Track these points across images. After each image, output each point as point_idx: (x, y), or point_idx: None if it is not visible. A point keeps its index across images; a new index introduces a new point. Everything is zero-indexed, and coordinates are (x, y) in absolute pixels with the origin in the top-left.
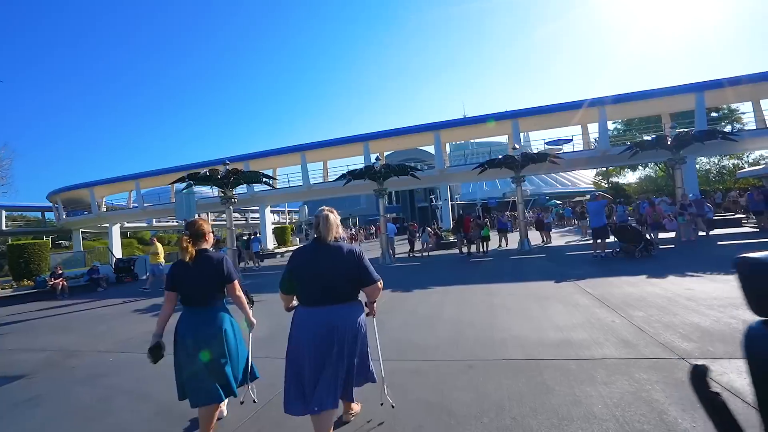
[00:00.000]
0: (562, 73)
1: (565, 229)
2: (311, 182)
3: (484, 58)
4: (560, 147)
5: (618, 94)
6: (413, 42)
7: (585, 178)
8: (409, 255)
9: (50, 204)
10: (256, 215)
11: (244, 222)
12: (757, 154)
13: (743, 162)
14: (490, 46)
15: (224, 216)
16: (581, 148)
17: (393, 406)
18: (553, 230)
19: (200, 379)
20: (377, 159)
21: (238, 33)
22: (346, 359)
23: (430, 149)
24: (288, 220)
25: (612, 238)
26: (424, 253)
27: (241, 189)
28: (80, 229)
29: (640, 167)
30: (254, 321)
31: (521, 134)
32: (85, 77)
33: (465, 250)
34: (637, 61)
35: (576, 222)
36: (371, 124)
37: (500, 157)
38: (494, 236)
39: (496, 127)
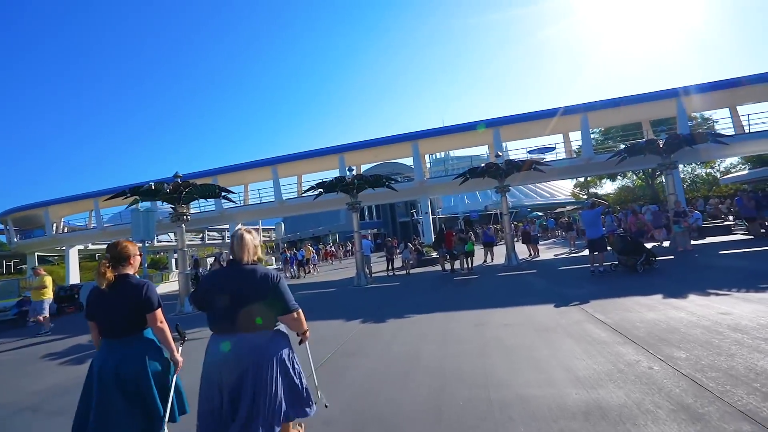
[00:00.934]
0: (541, 85)
1: (550, 240)
2: (283, 197)
3: (464, 73)
4: (543, 156)
5: (600, 100)
6: (393, 57)
7: (564, 190)
8: (387, 273)
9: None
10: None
11: (221, 241)
12: (728, 162)
13: (715, 171)
14: (470, 61)
15: (209, 235)
16: (563, 157)
17: (326, 406)
18: (540, 243)
19: (108, 426)
20: (350, 170)
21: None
22: (263, 394)
23: (410, 162)
24: (268, 238)
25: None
26: (407, 271)
27: (210, 207)
28: (35, 253)
29: (619, 177)
30: (180, 360)
31: (503, 145)
32: (50, 90)
33: (448, 266)
34: (614, 71)
35: (561, 233)
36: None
37: (483, 165)
38: (478, 251)
39: (477, 137)
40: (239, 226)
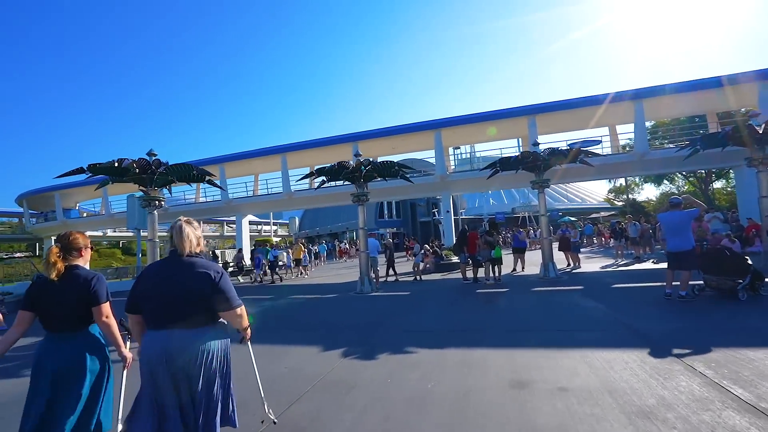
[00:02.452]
0: (584, 72)
1: (587, 249)
2: (292, 189)
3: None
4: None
5: (658, 86)
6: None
7: (596, 195)
8: (386, 279)
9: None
10: (259, 226)
11: (218, 235)
12: None
13: None
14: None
15: (214, 225)
16: (609, 152)
17: (275, 422)
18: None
19: (51, 423)
20: (357, 154)
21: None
22: (196, 395)
23: (432, 158)
24: (286, 233)
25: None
26: (417, 277)
27: (216, 195)
28: (51, 237)
29: (666, 181)
30: (128, 355)
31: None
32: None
33: (470, 274)
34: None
35: (603, 241)
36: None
37: (517, 154)
38: (506, 257)
39: (508, 127)
40: (180, 217)
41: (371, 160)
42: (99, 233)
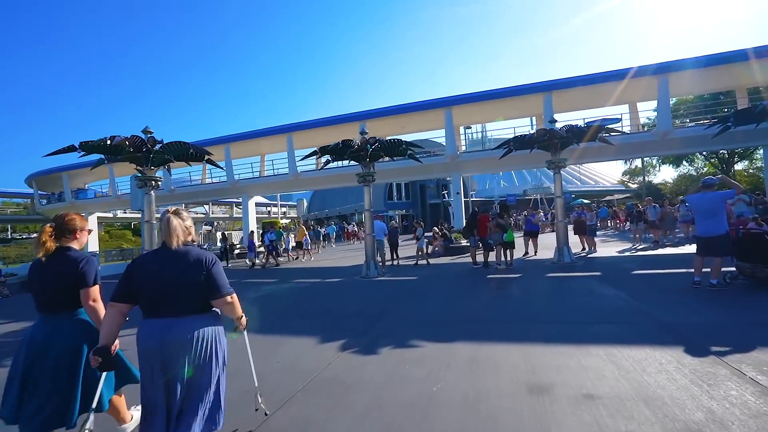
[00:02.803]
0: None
1: (602, 232)
2: (298, 170)
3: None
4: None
5: (685, 59)
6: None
7: (609, 177)
8: (393, 263)
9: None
10: (268, 208)
11: (227, 217)
12: None
13: None
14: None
15: (224, 207)
16: (630, 131)
17: (266, 414)
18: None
19: (35, 402)
20: (363, 132)
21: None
22: (198, 385)
23: (442, 139)
24: (294, 214)
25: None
26: (421, 261)
27: (222, 176)
28: None
29: (685, 162)
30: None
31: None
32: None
33: (480, 259)
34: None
35: (622, 224)
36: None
37: (532, 132)
38: (518, 240)
39: (522, 106)
40: (169, 208)
41: (378, 138)
42: (110, 214)
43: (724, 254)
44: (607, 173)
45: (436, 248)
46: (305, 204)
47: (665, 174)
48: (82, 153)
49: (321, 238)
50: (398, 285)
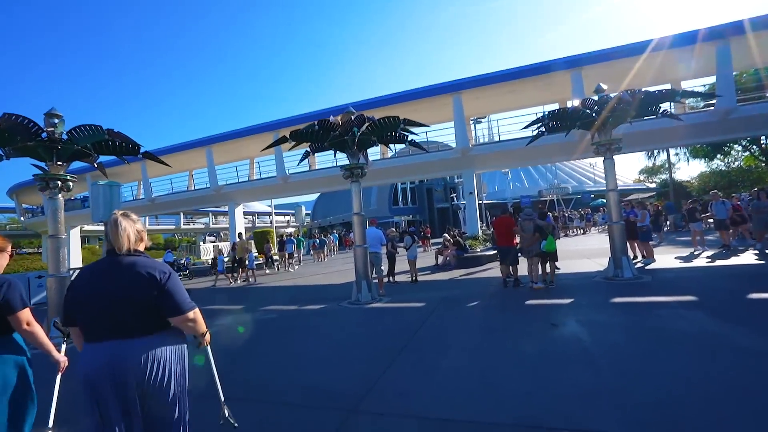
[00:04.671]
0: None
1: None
2: (287, 172)
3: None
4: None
5: (749, 18)
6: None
7: (624, 177)
8: (389, 280)
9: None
10: (265, 218)
11: (202, 227)
12: None
13: None
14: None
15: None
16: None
17: (236, 426)
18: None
19: None
20: (349, 112)
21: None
22: (151, 416)
23: (447, 138)
24: (296, 223)
25: None
26: (413, 277)
27: (204, 182)
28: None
29: (718, 157)
30: (63, 359)
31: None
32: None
33: (511, 273)
34: None
35: (684, 224)
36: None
37: (576, 103)
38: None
39: (546, 87)
40: (116, 211)
41: (367, 117)
42: (100, 227)
43: None
44: (620, 173)
45: (448, 258)
46: (303, 211)
47: (691, 170)
48: None
49: (325, 248)
50: (398, 319)
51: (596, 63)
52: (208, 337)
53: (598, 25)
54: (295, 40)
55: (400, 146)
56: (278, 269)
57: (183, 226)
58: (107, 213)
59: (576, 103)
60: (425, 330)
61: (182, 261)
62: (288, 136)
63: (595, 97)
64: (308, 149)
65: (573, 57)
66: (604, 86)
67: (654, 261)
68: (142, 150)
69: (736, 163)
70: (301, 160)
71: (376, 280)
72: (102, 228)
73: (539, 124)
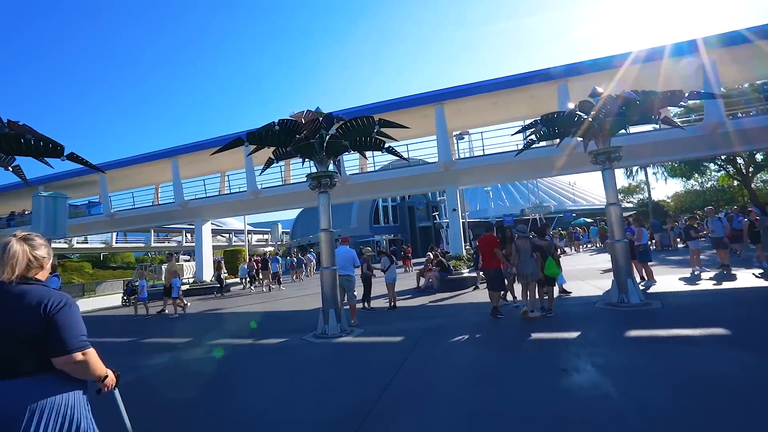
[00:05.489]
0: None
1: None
2: (258, 186)
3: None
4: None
5: (740, 30)
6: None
7: (599, 197)
8: (363, 306)
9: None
10: (242, 236)
11: (175, 246)
12: None
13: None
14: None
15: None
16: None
17: None
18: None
19: None
20: (314, 110)
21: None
22: None
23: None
24: (274, 242)
25: None
26: (392, 302)
27: (169, 197)
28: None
29: (695, 176)
30: None
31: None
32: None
33: (511, 298)
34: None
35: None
36: None
37: (573, 105)
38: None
39: (530, 97)
40: (16, 232)
41: (336, 115)
42: (64, 245)
43: None
44: (594, 192)
45: (431, 280)
46: (280, 229)
47: (666, 190)
48: None
49: (303, 266)
50: (369, 360)
51: (581, 74)
52: (110, 380)
53: (586, 44)
54: (264, 55)
55: (380, 162)
56: (253, 289)
57: (154, 244)
58: (50, 228)
59: (596, 89)
60: (402, 377)
61: (136, 283)
62: (243, 138)
63: (592, 101)
64: (271, 156)
65: (558, 68)
66: (600, 89)
67: (655, 283)
68: (66, 152)
69: (709, 183)
70: (264, 169)
71: (348, 307)
72: (61, 245)
73: (532, 129)
